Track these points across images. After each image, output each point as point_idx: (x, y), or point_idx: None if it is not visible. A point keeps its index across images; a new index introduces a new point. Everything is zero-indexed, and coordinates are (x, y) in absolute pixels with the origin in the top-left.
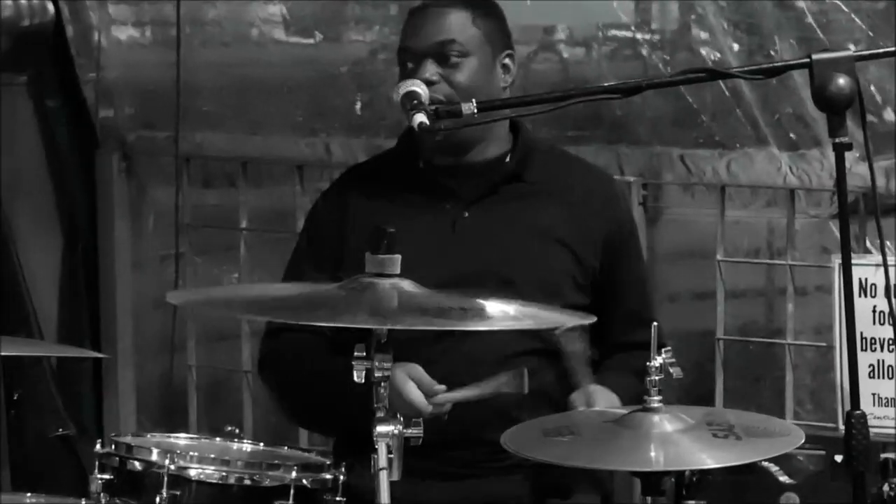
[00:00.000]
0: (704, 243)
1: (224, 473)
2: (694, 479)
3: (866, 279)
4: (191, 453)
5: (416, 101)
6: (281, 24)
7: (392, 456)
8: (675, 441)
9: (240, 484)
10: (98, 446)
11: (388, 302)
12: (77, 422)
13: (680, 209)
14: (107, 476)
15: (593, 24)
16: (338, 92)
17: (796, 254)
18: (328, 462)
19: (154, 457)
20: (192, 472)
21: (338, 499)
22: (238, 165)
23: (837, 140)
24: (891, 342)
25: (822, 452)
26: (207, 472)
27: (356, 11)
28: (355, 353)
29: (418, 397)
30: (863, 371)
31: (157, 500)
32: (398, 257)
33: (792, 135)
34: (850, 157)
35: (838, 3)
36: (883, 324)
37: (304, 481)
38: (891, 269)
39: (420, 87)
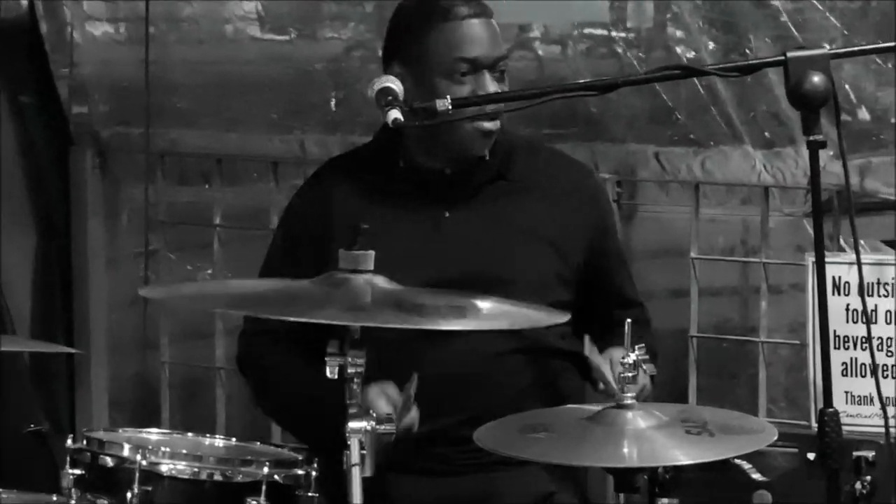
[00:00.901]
0: (679, 241)
1: (196, 469)
2: (667, 475)
3: (840, 277)
4: (162, 448)
5: (390, 98)
6: (256, 21)
7: (364, 452)
8: (649, 438)
9: (212, 480)
10: (69, 441)
11: (361, 298)
12: (51, 418)
13: (655, 207)
14: (78, 471)
15: (569, 23)
16: (313, 89)
17: (770, 252)
18: (300, 458)
19: (126, 452)
20: (164, 468)
21: (310, 494)
22: (213, 162)
23: (812, 138)
24: (864, 340)
25: (796, 450)
26: (179, 467)
27: (332, 9)
28: (328, 350)
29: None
30: (836, 369)
31: (129, 495)
32: (372, 253)
33: (767, 133)
34: (824, 155)
35: (814, 1)
36: (856, 322)
37: (277, 477)
38: (864, 268)
39: (395, 84)
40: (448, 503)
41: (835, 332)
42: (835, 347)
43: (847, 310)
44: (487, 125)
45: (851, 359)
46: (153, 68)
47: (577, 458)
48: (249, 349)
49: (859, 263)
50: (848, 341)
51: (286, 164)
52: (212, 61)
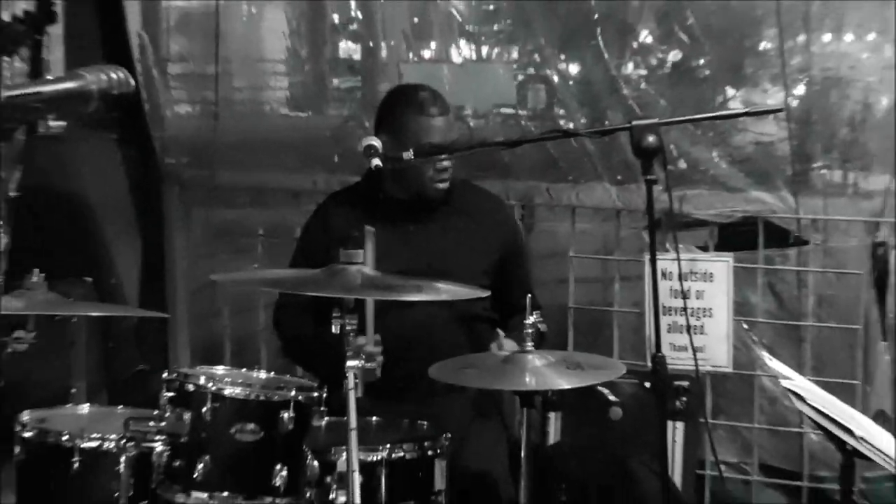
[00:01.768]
0: (562, 246)
1: (247, 392)
2: (553, 397)
3: (666, 268)
4: (225, 378)
5: (373, 150)
6: (285, 103)
7: (357, 381)
8: (542, 372)
9: (257, 399)
10: (165, 374)
11: (354, 281)
12: (151, 361)
13: (546, 223)
14: (171, 394)
15: (490, 104)
16: (322, 147)
17: (621, 252)
18: (315, 385)
19: (202, 381)
20: (227, 391)
21: (322, 409)
22: (255, 193)
23: (648, 178)
24: (681, 310)
25: (637, 381)
26: (236, 391)
27: (335, 95)
28: (333, 313)
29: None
30: (663, 328)
31: (203, 409)
32: (361, 251)
33: (619, 175)
34: (656, 189)
35: (648, 89)
36: (676, 298)
37: (300, 397)
38: (682, 263)
39: (376, 141)
40: (404, 416)
41: (663, 304)
42: (663, 314)
43: (671, 290)
44: (441, 164)
45: (672, 322)
46: (216, 134)
47: (496, 385)
48: (280, 315)
49: (679, 259)
50: (671, 310)
51: (304, 195)
52: (254, 129)
